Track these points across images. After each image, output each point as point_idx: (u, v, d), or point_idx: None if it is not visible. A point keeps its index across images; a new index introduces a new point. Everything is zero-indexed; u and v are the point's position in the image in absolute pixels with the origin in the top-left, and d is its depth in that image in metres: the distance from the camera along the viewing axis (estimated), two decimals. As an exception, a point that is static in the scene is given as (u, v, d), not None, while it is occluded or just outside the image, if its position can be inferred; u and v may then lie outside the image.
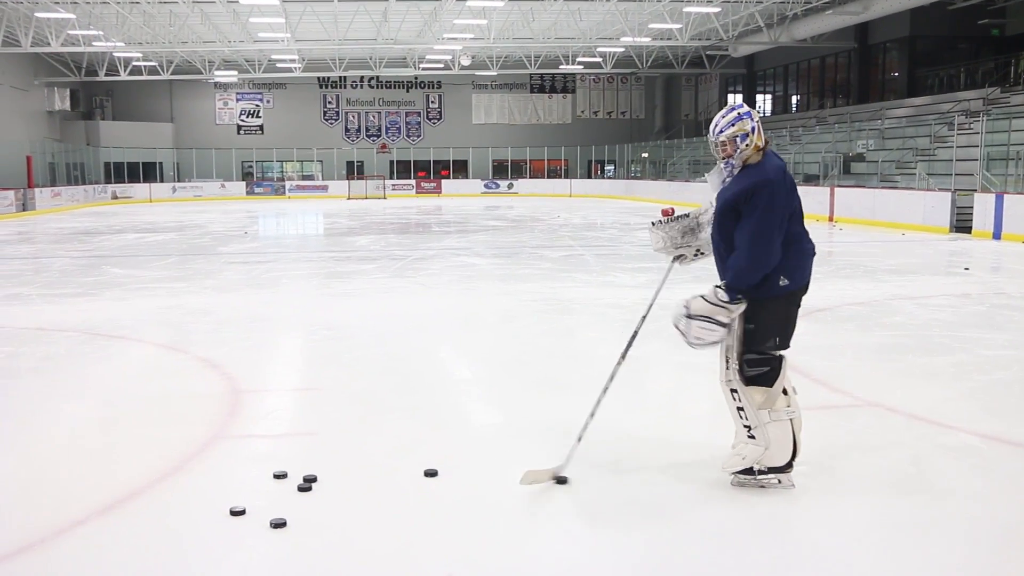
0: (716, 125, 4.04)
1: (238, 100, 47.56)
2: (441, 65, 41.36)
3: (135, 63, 38.42)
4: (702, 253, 4.34)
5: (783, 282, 3.96)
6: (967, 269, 12.95)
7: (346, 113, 48.50)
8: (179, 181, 44.48)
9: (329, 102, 48.26)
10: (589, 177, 47.87)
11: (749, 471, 4.07)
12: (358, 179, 44.38)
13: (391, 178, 46.35)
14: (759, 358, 4.00)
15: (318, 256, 16.29)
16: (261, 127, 47.78)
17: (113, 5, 27.68)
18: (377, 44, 34.73)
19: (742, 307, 3.96)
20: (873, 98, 32.45)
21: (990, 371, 6.53)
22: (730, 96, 44.53)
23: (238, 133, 47.61)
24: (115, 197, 40.30)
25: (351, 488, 4.19)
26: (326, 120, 48.33)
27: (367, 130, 48.71)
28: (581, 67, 41.48)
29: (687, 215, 4.37)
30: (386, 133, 48.81)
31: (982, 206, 18.15)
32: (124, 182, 42.33)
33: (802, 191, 4.39)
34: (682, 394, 6.14)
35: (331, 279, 12.38)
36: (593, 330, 8.54)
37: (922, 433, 5.02)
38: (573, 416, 5.32)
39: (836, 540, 3.60)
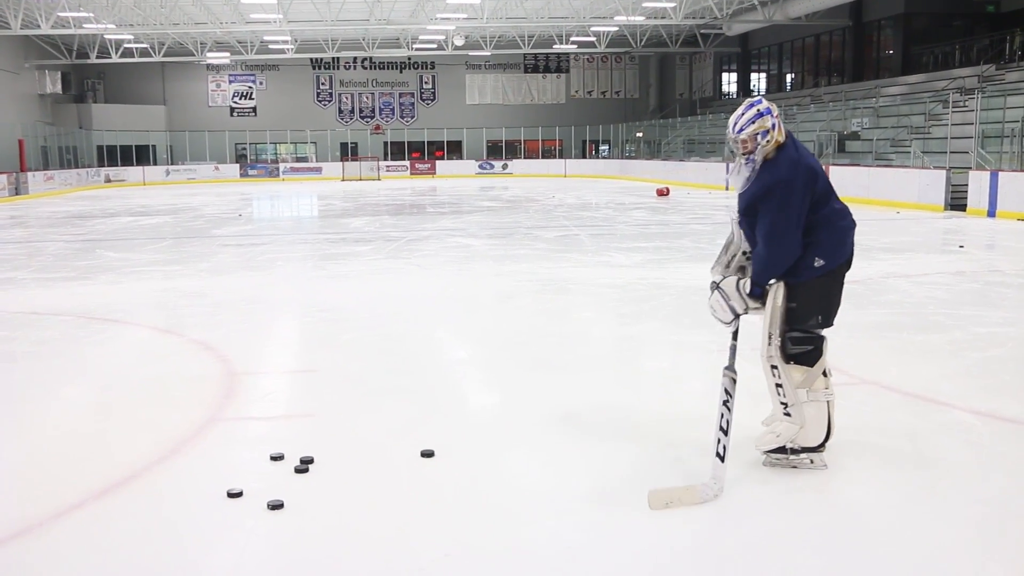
0: (736, 123, 4.03)
1: (231, 82, 47.35)
2: (435, 45, 41.19)
3: (127, 45, 38.21)
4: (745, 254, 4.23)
5: (818, 263, 3.95)
6: (962, 247, 12.96)
7: (340, 94, 48.31)
8: (172, 164, 44.30)
9: (322, 83, 48.07)
10: (583, 157, 47.81)
11: (782, 450, 4.07)
12: (352, 161, 44.23)
13: (385, 159, 46.21)
14: (803, 336, 4.00)
15: (313, 238, 16.26)
16: (254, 109, 47.59)
17: (103, -14, 27.52)
18: (370, 25, 34.55)
19: (759, 309, 3.99)
20: (868, 76, 32.38)
21: (985, 348, 6.54)
22: (724, 75, 44.43)
23: (231, 115, 47.42)
24: (108, 180, 40.14)
25: (348, 469, 4.19)
26: (319, 101, 48.15)
27: (361, 111, 48.54)
28: (575, 46, 41.37)
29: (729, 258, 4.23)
30: (380, 114, 48.65)
31: (977, 184, 18.15)
32: (117, 165, 42.18)
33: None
34: (677, 372, 6.15)
35: (326, 261, 12.36)
36: (589, 310, 8.54)
37: (917, 410, 5.03)
38: (569, 396, 5.35)
39: (831, 517, 3.62)
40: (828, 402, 4.03)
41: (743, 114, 4.02)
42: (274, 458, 4.26)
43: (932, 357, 6.40)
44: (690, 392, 5.55)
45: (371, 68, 48.09)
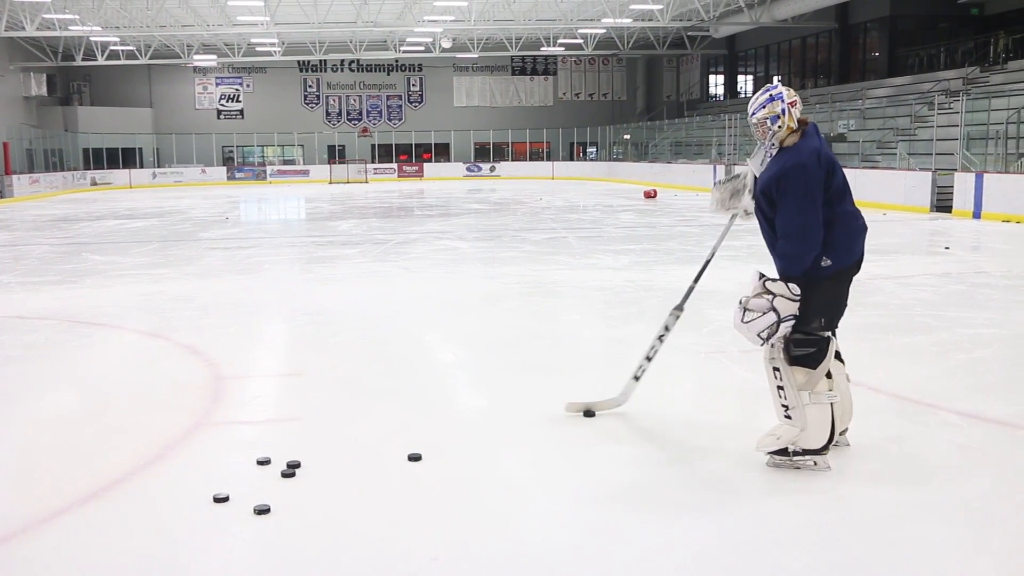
0: (751, 107, 4.06)
1: (218, 84, 47.19)
2: (422, 48, 41.14)
3: (113, 47, 38.02)
4: (748, 214, 4.28)
5: (825, 263, 3.93)
6: (947, 248, 13.02)
7: (327, 97, 48.22)
8: (159, 167, 44.14)
9: (310, 86, 47.97)
10: (571, 159, 47.82)
11: (784, 452, 4.05)
12: (340, 163, 44.13)
13: (373, 162, 46.13)
14: (805, 338, 3.97)
15: (300, 241, 16.23)
16: (241, 111, 47.45)
17: (89, -11, 27.39)
18: (357, 27, 34.50)
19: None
20: (854, 78, 32.52)
21: (970, 349, 6.58)
22: (711, 77, 44.55)
23: (218, 118, 47.26)
24: (94, 183, 39.96)
25: (335, 473, 4.18)
26: (307, 104, 48.05)
27: (348, 114, 48.45)
28: (562, 49, 41.38)
29: (737, 176, 4.37)
30: (367, 117, 48.57)
31: (962, 185, 18.24)
32: (103, 168, 41.99)
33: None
34: (665, 374, 6.15)
35: (313, 264, 12.34)
36: (577, 312, 8.55)
37: (903, 411, 5.05)
38: (558, 399, 5.34)
39: (818, 518, 3.63)
40: (832, 404, 4.00)
41: (757, 98, 4.04)
42: (261, 462, 4.25)
43: (918, 358, 6.43)
44: (678, 394, 5.56)
45: (358, 70, 48.01)
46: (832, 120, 27.50)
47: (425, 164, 46.43)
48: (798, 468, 4.05)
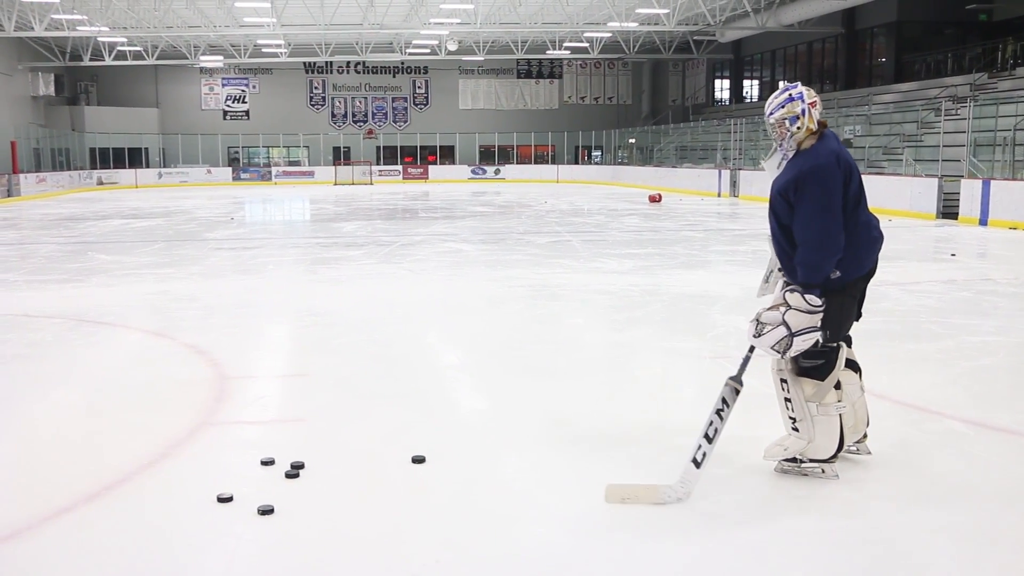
0: (768, 106, 3.97)
1: (224, 85, 47.28)
2: (428, 50, 41.20)
3: (120, 48, 38.14)
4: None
5: (834, 274, 3.84)
6: (953, 255, 13.00)
7: (332, 98, 48.28)
8: (165, 167, 44.24)
9: (315, 87, 48.03)
10: (576, 163, 47.82)
11: (792, 459, 4.03)
12: (345, 165, 44.21)
13: (378, 164, 46.18)
14: (814, 350, 3.88)
15: (305, 242, 16.24)
16: (247, 112, 47.51)
17: (97, -11, 27.46)
18: (363, 29, 34.54)
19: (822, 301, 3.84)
20: (860, 84, 32.49)
21: (976, 357, 6.56)
22: (717, 81, 44.55)
23: (224, 118, 47.33)
24: (100, 183, 40.06)
25: (339, 474, 4.18)
26: (312, 105, 48.10)
27: (353, 115, 48.50)
28: (568, 52, 41.40)
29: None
30: (373, 119, 48.62)
31: (969, 192, 18.21)
32: (109, 168, 42.08)
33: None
34: (669, 379, 6.15)
35: (318, 265, 12.34)
36: (581, 316, 8.55)
37: (908, 419, 5.04)
38: (561, 402, 5.35)
39: (821, 526, 3.62)
40: (841, 415, 3.94)
41: (775, 98, 3.96)
42: (265, 463, 4.25)
43: (923, 366, 6.41)
44: (682, 399, 5.56)
45: (364, 72, 48.07)
46: (838, 126, 27.43)
47: (430, 166, 46.47)
48: (805, 475, 4.04)
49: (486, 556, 3.38)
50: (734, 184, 29.10)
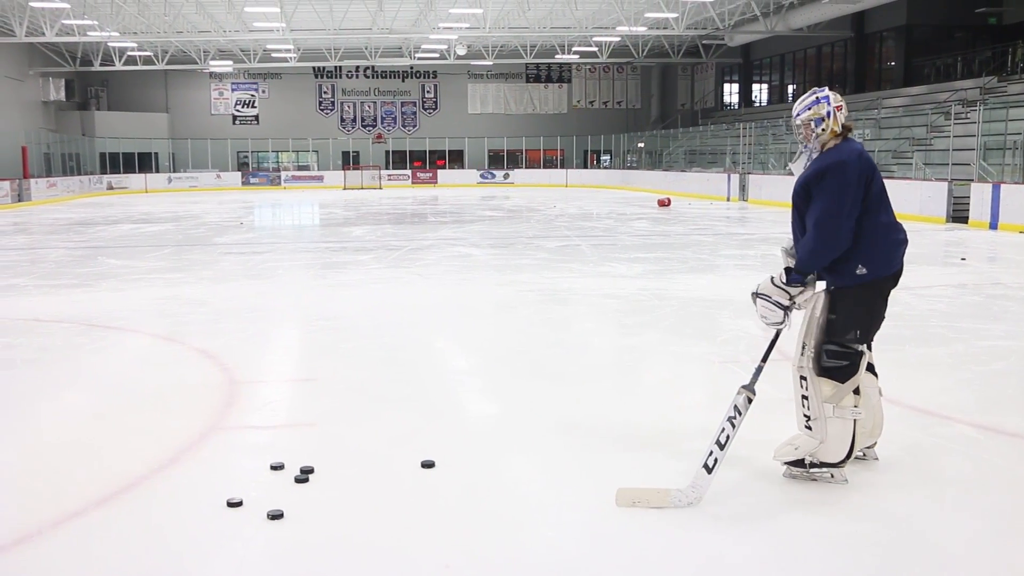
0: (795, 108, 4.05)
1: (233, 90, 47.43)
2: (437, 55, 41.25)
3: (130, 53, 38.28)
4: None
5: (860, 271, 3.88)
6: (964, 259, 12.96)
7: (342, 103, 48.38)
8: (174, 171, 44.39)
9: (325, 92, 48.14)
10: (585, 167, 47.83)
11: (800, 463, 4.01)
12: (354, 169, 44.27)
13: (387, 168, 46.28)
14: (839, 350, 3.91)
15: (314, 246, 16.27)
16: (256, 117, 47.66)
17: (107, -6, 27.56)
18: (372, 34, 34.62)
19: (804, 293, 3.93)
20: (869, 87, 32.42)
21: (987, 361, 6.54)
22: (726, 85, 44.50)
23: (233, 123, 47.48)
24: (110, 188, 40.20)
25: (348, 479, 4.19)
26: (322, 110, 48.21)
27: (363, 120, 48.60)
28: (577, 56, 41.40)
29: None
30: (382, 123, 48.71)
31: (979, 196, 18.16)
32: (119, 172, 42.26)
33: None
34: (678, 383, 6.14)
35: (327, 269, 12.37)
36: (590, 320, 8.54)
37: (919, 423, 5.02)
38: (570, 407, 5.34)
39: (831, 530, 3.60)
40: (855, 420, 3.93)
41: (802, 100, 4.03)
42: (274, 467, 4.25)
43: (934, 370, 6.39)
44: (691, 403, 5.55)
45: (373, 77, 48.18)
46: (848, 129, 27.39)
47: (439, 171, 46.54)
48: (814, 480, 4.03)
49: (496, 560, 3.37)
50: (743, 188, 29.06)
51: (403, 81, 48.55)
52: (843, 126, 3.98)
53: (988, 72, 26.62)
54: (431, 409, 5.35)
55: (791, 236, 4.16)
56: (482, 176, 45.91)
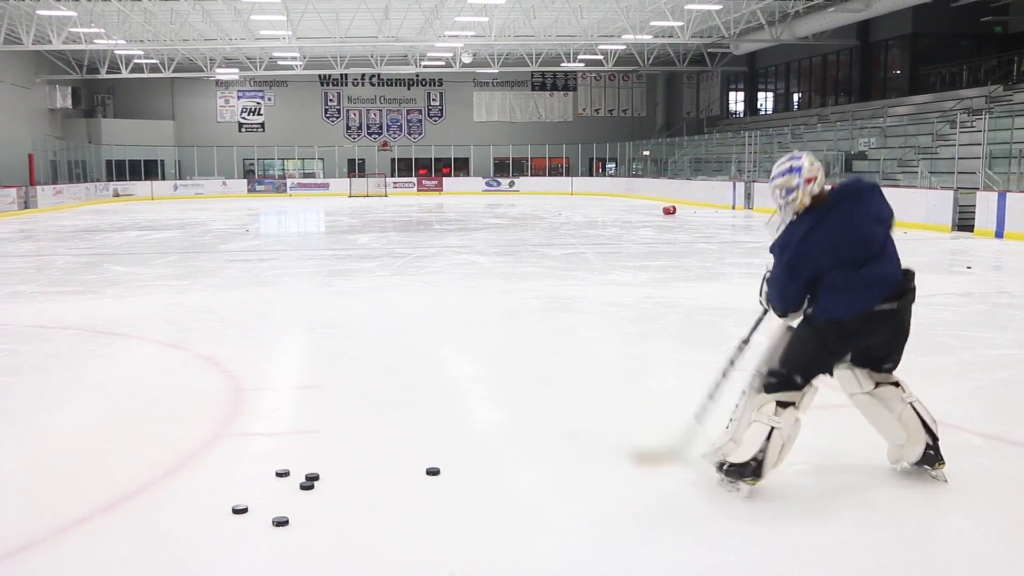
0: (774, 168, 4.07)
1: (239, 98, 47.54)
2: (442, 63, 41.33)
3: (136, 61, 38.43)
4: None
5: (808, 310, 4.00)
6: (969, 268, 12.94)
7: (347, 111, 48.48)
8: (180, 179, 44.49)
9: (330, 100, 48.24)
10: (590, 175, 47.83)
11: (720, 467, 4.05)
12: (359, 177, 44.36)
13: (392, 176, 46.34)
14: (776, 382, 4.00)
15: (320, 254, 16.29)
16: (262, 125, 47.76)
17: (114, 3, 27.66)
18: (378, 42, 34.69)
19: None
20: (875, 96, 32.41)
21: (993, 370, 6.52)
22: (731, 93, 44.53)
23: (239, 131, 47.58)
24: (117, 195, 40.30)
25: (353, 486, 4.18)
26: (327, 118, 48.31)
27: (368, 128, 48.68)
28: (582, 65, 41.47)
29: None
30: (387, 131, 48.79)
31: (984, 204, 18.12)
32: (126, 180, 42.34)
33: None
34: (684, 391, 6.12)
35: (333, 277, 12.37)
36: (595, 328, 8.54)
37: (925, 432, 5.00)
38: (575, 414, 5.34)
39: (836, 539, 3.60)
40: (773, 428, 3.92)
41: (780, 164, 4.03)
42: (280, 474, 4.25)
43: (939, 379, 6.37)
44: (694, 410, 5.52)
45: (379, 85, 48.27)
46: (853, 138, 27.42)
47: (444, 178, 46.59)
48: (720, 484, 4.05)
49: (501, 568, 3.37)
50: (748, 196, 29.04)
51: (409, 89, 48.64)
52: (814, 197, 3.94)
53: (994, 81, 26.60)
54: (436, 417, 5.34)
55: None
56: (487, 184, 45.95)
